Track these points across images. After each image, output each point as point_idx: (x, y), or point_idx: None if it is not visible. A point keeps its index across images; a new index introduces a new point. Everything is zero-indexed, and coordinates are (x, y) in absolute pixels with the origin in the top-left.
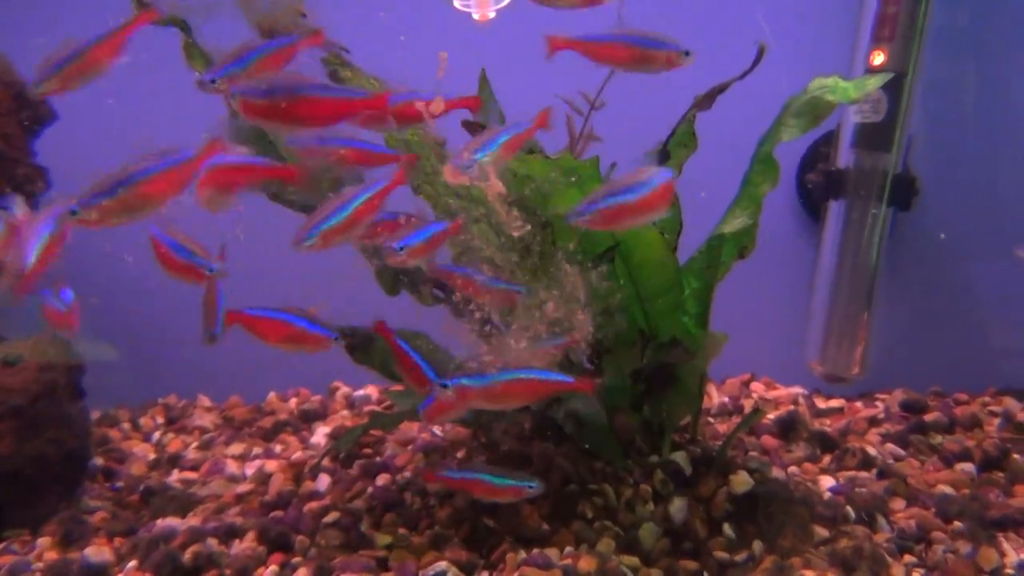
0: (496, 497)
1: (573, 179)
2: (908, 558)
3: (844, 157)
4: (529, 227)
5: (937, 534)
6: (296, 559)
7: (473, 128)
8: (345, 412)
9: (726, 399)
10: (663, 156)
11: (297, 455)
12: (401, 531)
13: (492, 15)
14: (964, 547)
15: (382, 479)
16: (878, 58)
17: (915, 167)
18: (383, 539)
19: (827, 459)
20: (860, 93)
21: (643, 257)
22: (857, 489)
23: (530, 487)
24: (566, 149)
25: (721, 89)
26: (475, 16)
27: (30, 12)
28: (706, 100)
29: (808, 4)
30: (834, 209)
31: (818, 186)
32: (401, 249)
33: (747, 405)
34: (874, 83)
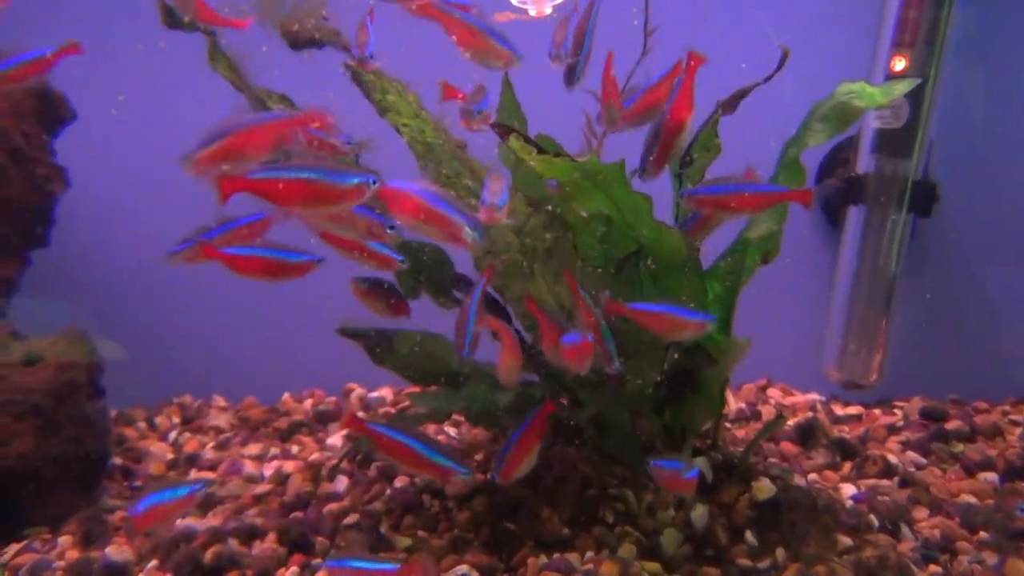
0: (422, 471)
1: (598, 180)
2: (933, 568)
3: (864, 163)
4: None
5: (962, 544)
6: (316, 560)
7: (503, 131)
8: (360, 414)
9: (743, 405)
10: (687, 161)
11: (314, 456)
12: (421, 534)
13: (548, 11)
14: (991, 558)
15: (400, 481)
16: (899, 63)
17: (935, 173)
18: (403, 541)
19: (847, 466)
20: (888, 99)
21: (667, 261)
22: (879, 497)
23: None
24: (591, 151)
25: (743, 94)
26: (531, 12)
27: (49, 14)
28: (729, 105)
29: (829, 9)
30: (853, 215)
31: (838, 192)
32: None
33: (764, 411)
34: (901, 88)
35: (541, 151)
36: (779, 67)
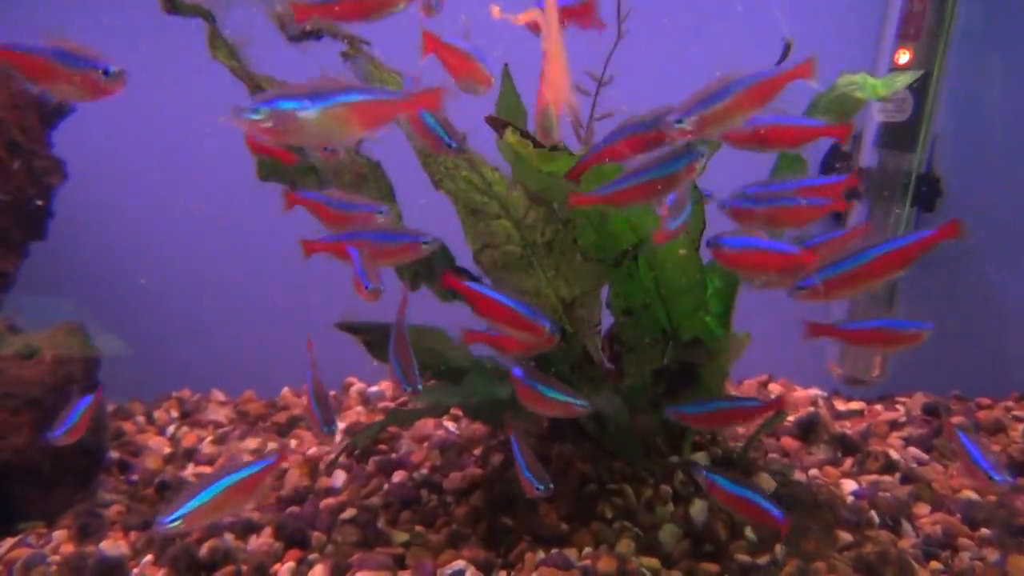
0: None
1: (596, 173)
2: (934, 564)
3: (868, 157)
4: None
5: (963, 540)
6: (313, 555)
7: (496, 124)
8: (359, 408)
9: None
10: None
11: (312, 451)
12: (418, 529)
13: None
14: (992, 555)
15: (398, 475)
16: (903, 57)
17: (939, 167)
18: (400, 536)
19: (848, 462)
20: (889, 90)
21: (666, 255)
22: (880, 493)
23: None
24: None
25: None
26: None
27: (44, 7)
28: None
29: (833, 2)
30: (856, 209)
31: None
32: None
33: None
34: (903, 81)
35: (538, 144)
36: (781, 60)
